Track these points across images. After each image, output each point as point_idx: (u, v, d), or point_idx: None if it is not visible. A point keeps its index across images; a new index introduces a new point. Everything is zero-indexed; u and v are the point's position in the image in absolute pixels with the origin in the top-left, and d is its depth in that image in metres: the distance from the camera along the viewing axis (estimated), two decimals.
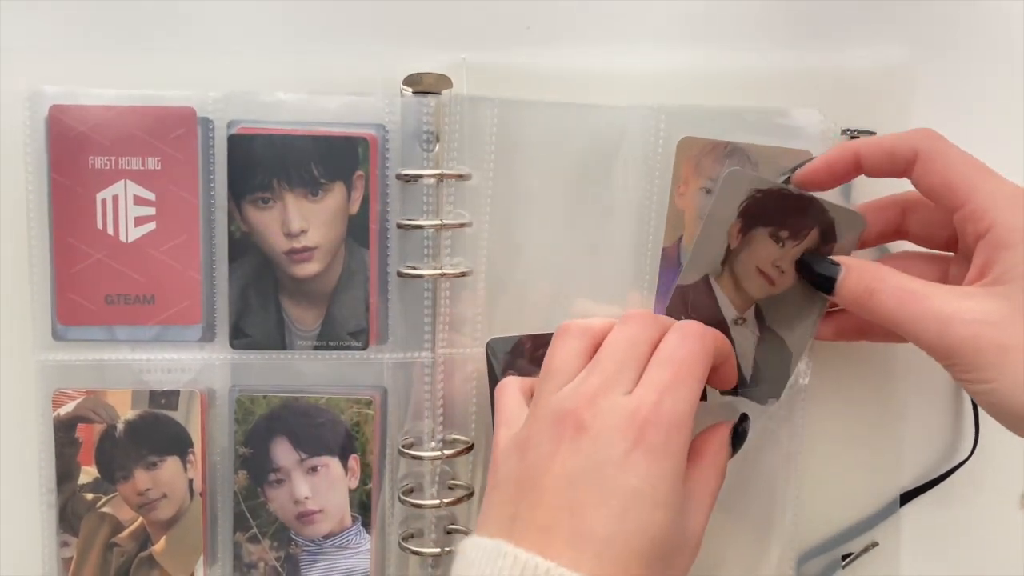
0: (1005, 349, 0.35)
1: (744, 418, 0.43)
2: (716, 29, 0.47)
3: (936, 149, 0.39)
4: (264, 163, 0.44)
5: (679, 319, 0.43)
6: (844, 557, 0.47)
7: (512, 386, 0.42)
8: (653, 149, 0.45)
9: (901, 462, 0.48)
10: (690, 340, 0.38)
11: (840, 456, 0.47)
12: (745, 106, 0.45)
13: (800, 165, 0.43)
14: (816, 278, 0.41)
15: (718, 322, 0.43)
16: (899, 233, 0.44)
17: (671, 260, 0.45)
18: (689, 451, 0.39)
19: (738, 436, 0.42)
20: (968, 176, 0.38)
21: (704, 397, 0.43)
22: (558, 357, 0.39)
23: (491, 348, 0.45)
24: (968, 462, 0.47)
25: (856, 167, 0.41)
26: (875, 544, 0.47)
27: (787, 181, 0.43)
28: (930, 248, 0.43)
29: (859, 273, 0.40)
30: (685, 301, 0.44)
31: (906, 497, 0.47)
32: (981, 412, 0.48)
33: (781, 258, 0.43)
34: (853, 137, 0.46)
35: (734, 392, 0.44)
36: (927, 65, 0.47)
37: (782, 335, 0.44)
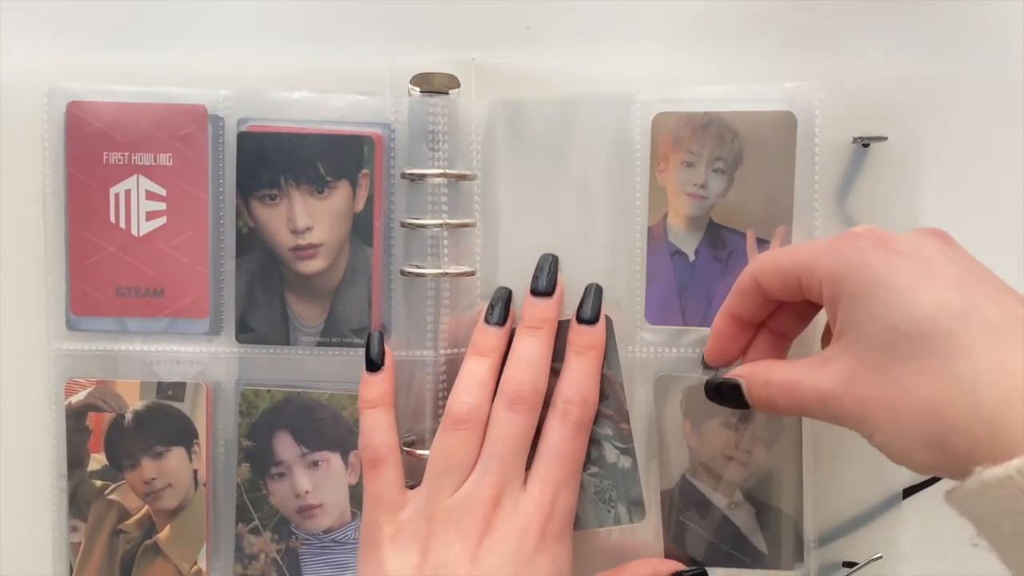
0: (863, 402, 0.33)
1: (702, 572, 0.44)
2: (719, 32, 0.47)
3: (763, 259, 0.39)
4: (272, 160, 0.45)
5: (678, 521, 0.45)
6: (845, 564, 0.46)
7: (391, 463, 0.42)
8: (633, 132, 0.45)
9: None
10: (572, 431, 0.42)
11: (841, 449, 0.46)
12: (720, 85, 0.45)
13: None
14: (729, 401, 0.40)
15: (714, 511, 0.44)
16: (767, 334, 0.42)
17: (657, 238, 0.45)
18: (617, 569, 0.43)
19: None
20: (791, 257, 0.38)
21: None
22: (454, 453, 0.41)
23: None
24: None
25: (740, 323, 0.41)
26: (879, 556, 0.46)
27: (706, 366, 0.43)
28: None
29: (751, 380, 0.39)
30: (675, 503, 0.45)
31: (907, 493, 0.46)
32: None
33: (742, 441, 0.44)
34: (865, 145, 0.45)
35: (759, 568, 0.44)
36: (937, 72, 0.46)
37: (778, 505, 0.44)
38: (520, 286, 0.45)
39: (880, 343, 0.33)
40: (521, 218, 0.46)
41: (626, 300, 0.45)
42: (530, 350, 0.43)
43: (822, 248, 0.37)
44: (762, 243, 0.44)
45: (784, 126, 0.44)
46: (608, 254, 0.46)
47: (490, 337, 0.44)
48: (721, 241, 0.45)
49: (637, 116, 0.45)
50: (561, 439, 0.42)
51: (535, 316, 0.44)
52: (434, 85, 0.45)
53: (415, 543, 0.40)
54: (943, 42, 0.46)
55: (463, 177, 0.45)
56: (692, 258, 0.45)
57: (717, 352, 0.42)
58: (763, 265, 0.39)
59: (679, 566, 0.44)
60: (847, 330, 0.35)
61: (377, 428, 0.43)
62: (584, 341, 0.43)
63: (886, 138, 0.44)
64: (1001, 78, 0.46)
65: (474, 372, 0.43)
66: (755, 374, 0.39)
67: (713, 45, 0.47)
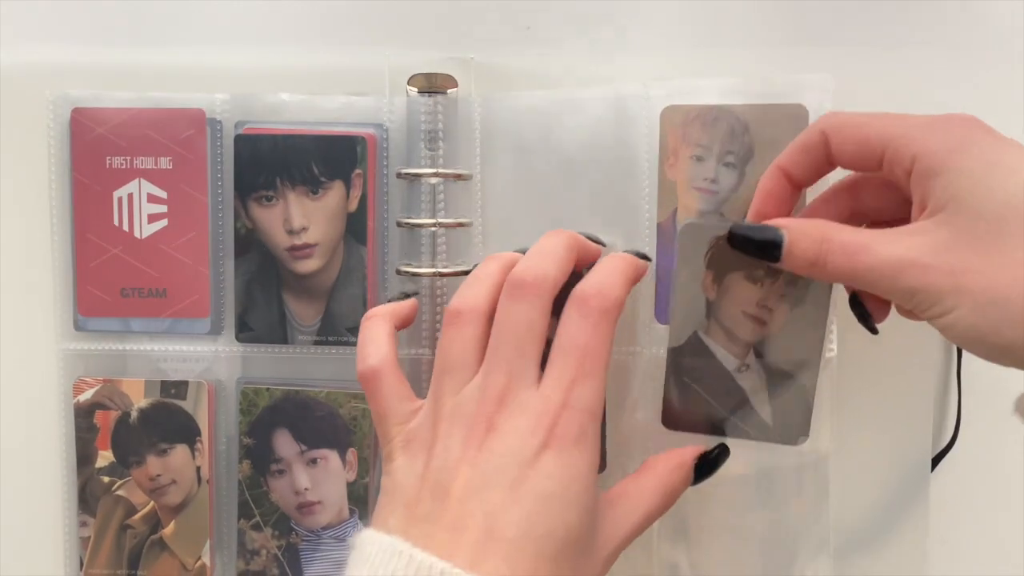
0: (956, 273, 0.33)
1: (722, 451, 0.42)
2: (722, 29, 0.46)
3: (839, 120, 0.38)
4: (267, 162, 0.45)
5: (682, 381, 0.43)
6: None
7: (385, 375, 0.39)
8: (640, 126, 0.44)
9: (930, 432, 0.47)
10: (593, 319, 0.37)
11: (867, 427, 0.46)
12: (731, 82, 0.44)
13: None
14: (757, 249, 0.38)
15: (722, 374, 0.42)
16: (856, 217, 0.41)
17: (667, 235, 0.44)
18: (644, 464, 0.40)
19: (707, 466, 0.41)
20: (878, 128, 0.37)
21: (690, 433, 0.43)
22: (455, 350, 0.38)
23: None
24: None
25: (791, 184, 0.40)
26: None
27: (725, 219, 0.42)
28: (894, 220, 0.40)
29: (805, 235, 0.37)
30: (681, 362, 0.43)
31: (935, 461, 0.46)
32: (964, 397, 0.47)
33: (765, 297, 0.41)
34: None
35: (760, 439, 0.43)
36: (944, 63, 0.45)
37: (791, 371, 0.42)
38: None
39: (988, 217, 0.33)
40: (522, 216, 0.46)
41: (635, 298, 0.45)
42: (542, 243, 0.39)
43: (914, 123, 0.36)
44: None
45: (796, 119, 0.43)
46: (615, 251, 0.45)
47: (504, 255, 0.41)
48: None
49: (645, 110, 0.44)
50: (578, 329, 0.37)
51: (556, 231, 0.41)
52: (431, 85, 0.45)
53: (422, 449, 0.37)
54: (950, 35, 0.46)
55: (459, 177, 0.45)
56: None
57: (762, 214, 0.40)
58: (840, 126, 0.38)
59: (701, 449, 0.41)
60: (944, 205, 0.34)
61: (370, 339, 0.40)
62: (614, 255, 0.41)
63: None
64: (1005, 70, 0.45)
65: (479, 271, 0.40)
66: (809, 229, 0.37)
67: (715, 43, 0.46)
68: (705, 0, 0.46)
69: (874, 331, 0.40)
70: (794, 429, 0.42)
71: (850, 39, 0.46)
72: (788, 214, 0.41)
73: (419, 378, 0.46)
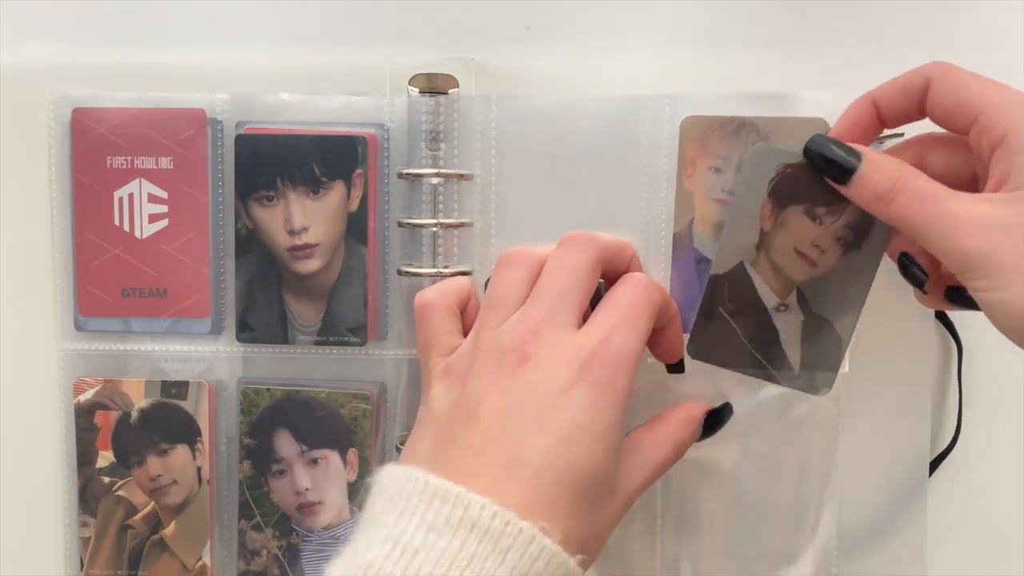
0: (1022, 253, 0.33)
1: (727, 408, 0.42)
2: (724, 31, 0.46)
3: (947, 71, 0.38)
4: (268, 162, 0.45)
5: (716, 311, 0.42)
6: None
7: (438, 308, 0.40)
8: (659, 134, 0.44)
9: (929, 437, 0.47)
10: (639, 287, 0.38)
11: (870, 434, 0.46)
12: (752, 92, 0.44)
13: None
14: (829, 166, 0.38)
15: (759, 310, 0.42)
16: None
17: (683, 245, 0.44)
18: (656, 417, 0.40)
19: (713, 421, 0.41)
20: (980, 91, 0.36)
21: (681, 369, 0.43)
22: (502, 286, 0.38)
23: None
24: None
25: (878, 117, 0.40)
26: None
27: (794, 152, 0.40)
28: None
29: (881, 169, 0.37)
30: (720, 291, 0.42)
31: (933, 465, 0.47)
32: (964, 401, 0.47)
33: (820, 236, 0.41)
34: (881, 141, 0.43)
35: (784, 383, 0.42)
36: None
37: (830, 319, 0.41)
38: None
39: None
40: (524, 218, 0.46)
41: None
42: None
43: (1017, 98, 0.36)
44: None
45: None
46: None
47: None
48: None
49: (664, 117, 0.44)
50: (627, 289, 0.38)
51: None
52: (433, 85, 0.45)
53: (458, 379, 0.37)
54: (950, 37, 0.46)
55: (461, 177, 0.45)
56: None
57: (842, 137, 0.40)
58: (945, 76, 0.38)
59: (708, 405, 0.41)
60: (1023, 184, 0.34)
61: (430, 288, 0.41)
62: None
63: (903, 134, 0.43)
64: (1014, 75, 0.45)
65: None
66: (886, 163, 0.37)
67: (719, 44, 0.47)
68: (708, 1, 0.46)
69: (922, 287, 0.40)
70: (818, 379, 0.42)
71: (852, 41, 0.46)
72: (866, 144, 0.40)
73: (414, 376, 0.46)
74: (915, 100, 0.38)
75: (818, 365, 0.42)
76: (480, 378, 0.36)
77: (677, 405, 0.40)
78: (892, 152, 0.41)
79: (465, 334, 0.40)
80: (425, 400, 0.39)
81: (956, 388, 0.47)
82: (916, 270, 0.40)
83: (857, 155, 0.38)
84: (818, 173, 0.39)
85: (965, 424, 0.47)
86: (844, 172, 0.38)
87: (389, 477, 0.35)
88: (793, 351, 0.42)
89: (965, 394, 0.47)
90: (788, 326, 0.42)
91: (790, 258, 0.41)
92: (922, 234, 0.36)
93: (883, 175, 0.37)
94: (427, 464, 0.35)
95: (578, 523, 0.34)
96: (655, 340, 0.41)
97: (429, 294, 0.40)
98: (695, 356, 0.43)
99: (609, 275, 0.40)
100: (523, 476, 0.33)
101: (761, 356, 0.42)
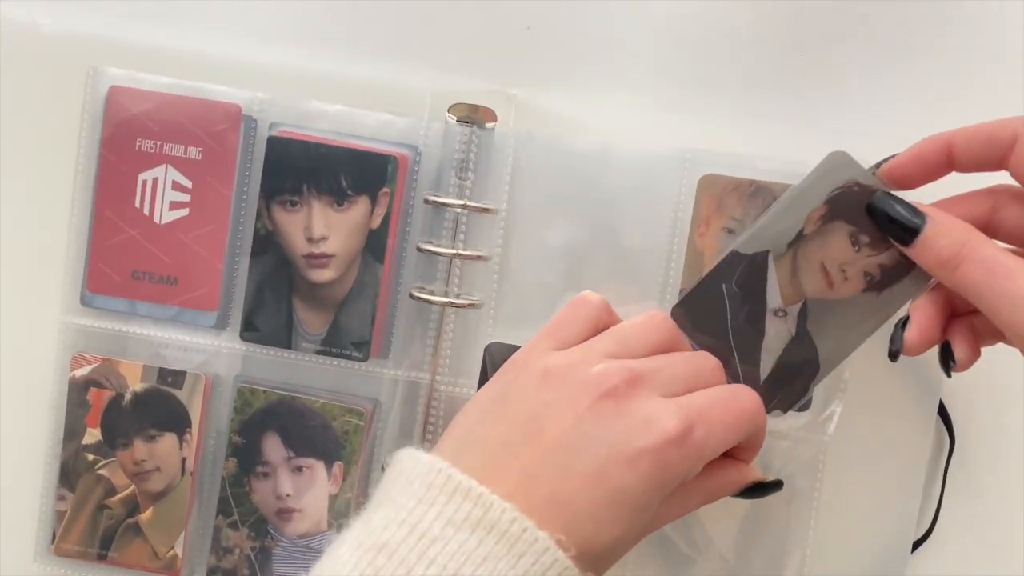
0: None
1: (777, 485, 0.41)
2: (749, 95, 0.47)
3: None
4: (297, 167, 0.45)
5: (719, 287, 0.41)
6: None
7: (593, 308, 0.39)
8: (676, 189, 0.45)
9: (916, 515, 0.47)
10: (754, 403, 0.37)
11: (855, 507, 0.47)
12: (773, 155, 0.44)
13: (885, 160, 0.40)
14: (893, 225, 0.37)
15: (756, 304, 0.41)
16: (987, 231, 0.39)
17: None
18: (707, 467, 0.38)
19: (756, 490, 0.40)
20: None
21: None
22: (635, 328, 0.38)
23: (489, 352, 0.45)
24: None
25: (948, 161, 0.38)
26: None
27: (872, 175, 0.40)
28: None
29: (946, 233, 0.36)
30: (733, 269, 0.41)
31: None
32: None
33: (850, 263, 0.40)
34: (878, 166, 0.42)
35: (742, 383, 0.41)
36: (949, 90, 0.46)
37: (817, 345, 0.41)
38: (531, 322, 0.45)
39: None
40: (541, 258, 0.46)
41: None
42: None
43: None
44: None
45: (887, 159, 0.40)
46: (638, 308, 0.44)
47: None
48: None
49: (683, 174, 0.45)
50: (750, 397, 0.38)
51: None
52: (472, 116, 0.46)
53: (546, 376, 0.36)
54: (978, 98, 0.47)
55: (485, 210, 0.45)
56: None
57: (902, 172, 0.39)
58: None
59: (762, 477, 0.40)
60: None
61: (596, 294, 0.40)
62: None
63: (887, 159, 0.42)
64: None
65: None
66: (953, 228, 0.36)
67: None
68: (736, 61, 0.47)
69: (949, 374, 0.39)
70: (775, 400, 0.41)
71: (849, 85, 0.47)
72: (927, 182, 0.39)
73: (415, 400, 0.46)
74: (998, 153, 0.37)
75: (783, 385, 0.41)
76: (565, 389, 0.35)
77: (730, 462, 0.39)
78: (965, 199, 0.39)
79: None
80: (503, 372, 0.38)
81: (940, 480, 0.48)
82: (951, 361, 0.39)
83: (922, 216, 0.37)
84: (881, 231, 0.38)
85: (941, 516, 0.48)
86: (908, 232, 0.37)
87: (412, 462, 0.35)
88: (768, 359, 0.41)
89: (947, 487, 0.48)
90: (776, 333, 0.41)
91: (812, 269, 0.40)
92: (988, 307, 0.35)
93: (948, 240, 0.36)
94: (461, 443, 0.35)
95: (594, 544, 0.34)
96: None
97: (594, 296, 0.39)
98: (674, 316, 0.41)
99: None
100: (561, 514, 0.33)
101: (735, 348, 0.41)
